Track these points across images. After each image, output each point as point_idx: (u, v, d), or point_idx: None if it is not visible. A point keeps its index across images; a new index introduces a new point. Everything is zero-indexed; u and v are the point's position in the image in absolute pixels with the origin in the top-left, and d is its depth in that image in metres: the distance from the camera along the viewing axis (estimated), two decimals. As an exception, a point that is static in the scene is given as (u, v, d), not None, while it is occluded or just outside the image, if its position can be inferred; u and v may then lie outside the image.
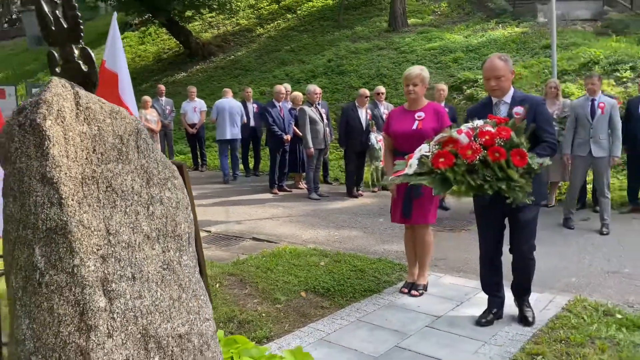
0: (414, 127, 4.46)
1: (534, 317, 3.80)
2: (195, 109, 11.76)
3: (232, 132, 10.33)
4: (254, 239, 6.36)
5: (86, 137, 1.60)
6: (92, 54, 1.66)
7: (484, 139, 3.06)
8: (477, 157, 3.01)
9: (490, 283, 3.86)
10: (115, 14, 4.03)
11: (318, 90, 8.80)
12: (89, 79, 1.67)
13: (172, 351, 1.68)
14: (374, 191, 8.96)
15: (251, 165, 11.42)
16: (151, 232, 1.68)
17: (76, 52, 1.67)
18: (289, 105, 9.56)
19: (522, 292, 3.86)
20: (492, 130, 3.10)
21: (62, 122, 1.56)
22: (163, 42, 23.84)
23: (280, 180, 9.46)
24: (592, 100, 6.29)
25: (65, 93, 1.59)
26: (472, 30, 15.69)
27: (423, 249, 4.40)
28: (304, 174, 9.70)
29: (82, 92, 1.63)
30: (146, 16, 22.18)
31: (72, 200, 1.54)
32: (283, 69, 17.01)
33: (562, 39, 12.49)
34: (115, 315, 1.58)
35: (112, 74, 3.75)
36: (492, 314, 3.81)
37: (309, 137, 8.40)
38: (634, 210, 7.19)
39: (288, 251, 5.58)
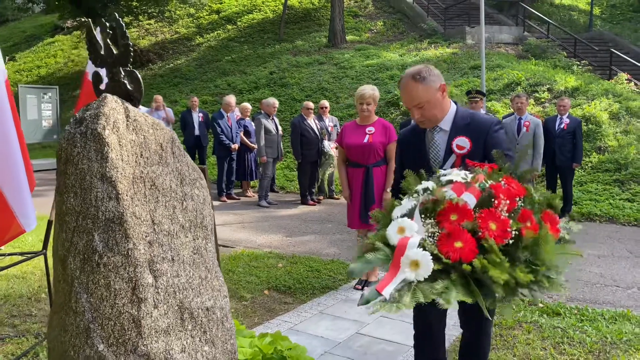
0: (365, 140, 5.02)
1: None
2: (139, 117, 11.77)
3: None
4: (210, 243, 6.63)
5: (135, 144, 1.94)
6: (139, 76, 2.00)
7: (503, 201, 1.85)
8: (511, 233, 1.79)
9: None
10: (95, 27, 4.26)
11: (276, 103, 9.23)
12: (134, 96, 2.00)
13: (201, 321, 2.03)
14: (319, 199, 9.43)
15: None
16: (185, 223, 2.04)
17: (122, 73, 2.00)
18: (236, 115, 9.89)
19: None
20: (501, 184, 1.94)
21: (117, 131, 1.90)
22: (98, 47, 23.37)
23: (228, 189, 9.74)
24: (519, 119, 7.08)
25: (118, 107, 1.93)
26: (406, 49, 16.66)
27: (377, 249, 4.88)
28: (251, 182, 10.04)
29: (130, 106, 1.97)
30: (79, 19, 21.72)
31: (127, 195, 1.87)
32: (225, 79, 17.25)
33: (488, 61, 13.56)
34: (159, 290, 1.92)
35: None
36: None
37: (262, 145, 8.78)
38: (552, 217, 8.10)
39: (246, 254, 5.92)
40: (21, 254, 3.97)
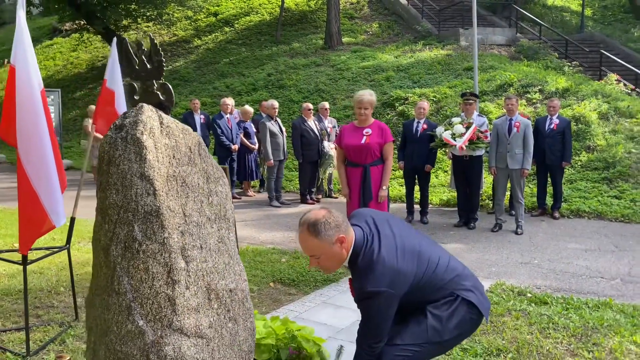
0: (363, 141, 5.35)
1: None
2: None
3: None
4: (215, 240, 6.93)
5: (168, 147, 2.23)
6: (171, 87, 2.29)
7: None
8: None
9: None
10: (115, 40, 4.55)
11: (276, 104, 9.50)
12: (165, 105, 2.30)
13: (225, 301, 2.33)
14: (318, 198, 9.72)
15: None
16: (211, 215, 2.33)
17: (156, 85, 2.29)
18: (236, 116, 10.17)
19: None
20: None
21: (152, 136, 2.19)
22: (97, 50, 23.58)
23: (230, 188, 10.01)
24: (510, 120, 7.40)
25: (154, 115, 2.22)
26: (401, 50, 16.96)
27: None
28: (252, 182, 10.33)
29: (163, 114, 2.26)
30: (78, 22, 21.92)
31: (162, 191, 2.16)
32: (223, 81, 17.50)
33: (481, 62, 13.88)
34: (190, 274, 2.21)
35: (111, 92, 4.28)
36: None
37: (269, 149, 9.06)
38: (542, 213, 8.42)
39: (250, 250, 6.21)
40: (47, 248, 4.25)
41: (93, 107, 11.74)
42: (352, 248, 2.43)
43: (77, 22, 21.97)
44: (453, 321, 2.52)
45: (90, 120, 11.31)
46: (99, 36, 21.92)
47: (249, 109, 10.22)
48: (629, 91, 13.03)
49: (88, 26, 20.98)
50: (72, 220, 3.97)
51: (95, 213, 2.29)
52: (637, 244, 6.75)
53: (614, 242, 6.90)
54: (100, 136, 9.75)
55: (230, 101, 10.21)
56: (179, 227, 2.20)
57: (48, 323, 3.98)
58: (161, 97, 2.26)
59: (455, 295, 2.53)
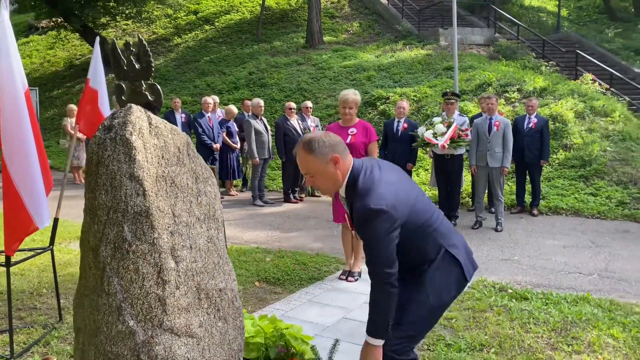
0: (348, 141, 5.38)
1: None
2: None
3: None
4: (199, 240, 6.91)
5: (157, 147, 2.23)
6: (160, 88, 2.29)
7: None
8: None
9: None
10: (98, 39, 4.52)
11: (262, 103, 9.48)
12: (154, 105, 2.30)
13: (215, 300, 2.34)
14: (301, 197, 9.75)
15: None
16: (200, 215, 2.34)
17: (144, 85, 2.29)
18: (218, 115, 10.13)
19: None
20: None
21: (142, 136, 2.19)
22: (75, 47, 23.25)
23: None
24: (490, 119, 7.51)
25: (142, 116, 2.22)
26: (382, 50, 17.05)
27: (359, 242, 5.24)
28: (234, 181, 10.31)
29: (152, 114, 2.26)
30: (54, 20, 21.57)
31: (152, 192, 2.17)
32: (204, 79, 17.40)
33: (460, 62, 14.01)
34: (180, 274, 2.22)
35: (94, 91, 4.26)
36: None
37: (254, 147, 9.04)
38: (521, 211, 8.58)
39: (234, 250, 6.21)
40: (30, 249, 4.20)
41: (72, 105, 11.60)
42: (349, 173, 2.44)
43: (53, 19, 21.60)
44: (451, 279, 2.53)
45: (70, 119, 11.18)
46: (77, 34, 21.61)
47: (234, 108, 10.20)
48: (604, 91, 13.30)
49: (65, 23, 20.64)
50: (56, 221, 3.94)
51: (84, 214, 2.29)
52: (613, 240, 6.93)
53: (591, 238, 7.06)
54: (82, 136, 9.53)
55: (211, 99, 10.18)
56: (168, 227, 2.21)
57: (31, 325, 3.94)
58: (149, 98, 2.25)
59: (445, 250, 2.53)
